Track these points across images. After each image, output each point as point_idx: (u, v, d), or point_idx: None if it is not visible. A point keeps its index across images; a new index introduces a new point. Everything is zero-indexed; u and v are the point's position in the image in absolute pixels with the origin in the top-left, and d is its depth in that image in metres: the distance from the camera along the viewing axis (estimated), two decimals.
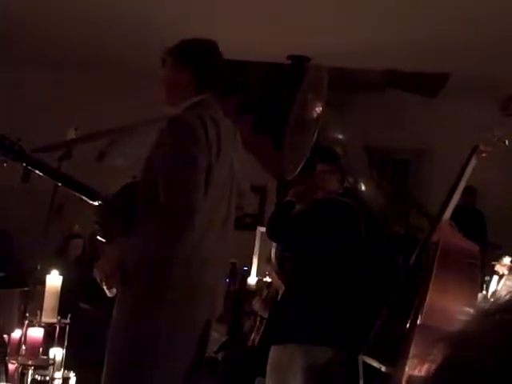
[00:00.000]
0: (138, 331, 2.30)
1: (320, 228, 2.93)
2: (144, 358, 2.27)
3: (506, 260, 3.36)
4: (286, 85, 6.24)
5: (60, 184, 2.56)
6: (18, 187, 2.42)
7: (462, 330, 0.74)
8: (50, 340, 2.84)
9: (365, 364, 2.67)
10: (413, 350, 2.38)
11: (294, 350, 2.80)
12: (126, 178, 2.58)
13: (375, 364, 2.60)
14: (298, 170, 3.12)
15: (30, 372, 2.75)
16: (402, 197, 6.93)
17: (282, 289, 3.37)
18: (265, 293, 4.27)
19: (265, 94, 7.28)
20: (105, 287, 2.32)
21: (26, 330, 2.75)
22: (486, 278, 3.22)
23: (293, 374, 2.78)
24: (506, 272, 3.27)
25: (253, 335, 4.21)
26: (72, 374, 3.12)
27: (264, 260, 5.20)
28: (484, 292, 3.10)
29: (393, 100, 6.92)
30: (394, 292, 2.79)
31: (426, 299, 2.45)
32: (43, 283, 2.80)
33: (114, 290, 2.33)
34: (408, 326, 2.54)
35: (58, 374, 2.96)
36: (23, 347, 2.77)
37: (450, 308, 2.44)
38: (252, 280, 5.71)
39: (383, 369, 2.55)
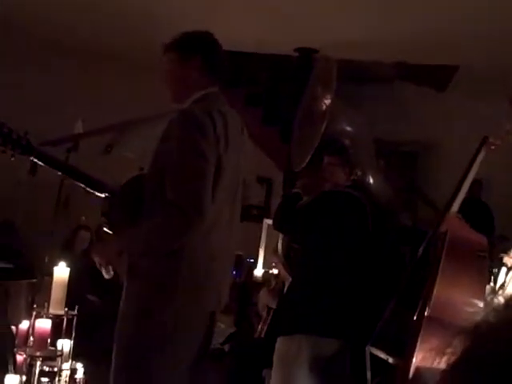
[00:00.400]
0: (145, 323, 2.30)
1: (327, 219, 2.92)
2: (151, 350, 2.28)
3: None
4: (293, 77, 6.23)
5: (67, 177, 2.56)
6: (25, 180, 2.42)
7: (481, 322, 0.74)
8: (57, 331, 2.86)
9: (372, 355, 2.67)
10: (420, 342, 2.38)
11: (300, 342, 2.80)
12: (133, 170, 2.58)
13: (382, 355, 2.60)
14: (306, 161, 3.11)
15: (38, 363, 2.76)
16: (410, 189, 6.92)
17: (288, 280, 3.37)
18: (273, 284, 4.28)
19: (272, 86, 7.27)
20: (103, 270, 2.34)
21: (34, 322, 2.76)
22: (494, 270, 3.22)
23: (299, 365, 2.78)
24: None
25: (260, 326, 4.22)
26: (80, 365, 3.14)
27: (270, 252, 5.21)
28: (492, 284, 3.09)
29: (401, 92, 6.90)
30: (401, 284, 2.78)
31: (433, 291, 2.45)
32: (51, 275, 2.81)
33: (112, 272, 2.35)
34: (415, 317, 2.54)
35: (66, 365, 2.98)
36: (31, 338, 2.78)
37: (458, 300, 2.43)
38: (258, 272, 5.72)
39: (390, 360, 2.55)
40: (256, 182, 7.19)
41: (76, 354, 3.06)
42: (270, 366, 3.04)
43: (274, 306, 4.04)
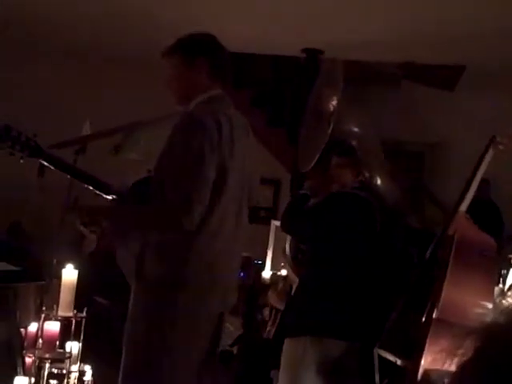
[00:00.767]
0: (155, 324, 2.31)
1: (335, 221, 2.92)
2: (160, 351, 2.29)
3: None
4: (299, 78, 6.22)
5: (75, 179, 2.57)
6: (33, 182, 2.43)
7: (492, 323, 0.74)
8: (66, 333, 2.86)
9: (380, 357, 2.66)
10: (429, 344, 2.37)
11: (307, 343, 2.80)
12: (140, 171, 2.59)
13: (391, 357, 2.59)
14: (313, 163, 3.11)
15: (47, 365, 2.77)
16: (418, 190, 6.90)
17: (296, 282, 3.37)
18: (280, 285, 4.28)
19: (278, 88, 7.27)
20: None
21: (43, 324, 2.77)
22: (503, 271, 3.20)
23: (306, 367, 2.78)
24: None
25: (268, 328, 4.22)
26: (88, 367, 3.14)
27: (278, 253, 5.20)
28: (501, 285, 3.08)
29: (408, 93, 6.88)
30: (409, 285, 2.77)
31: (441, 293, 2.44)
32: (59, 277, 2.82)
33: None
34: (424, 319, 2.53)
35: (75, 367, 2.99)
36: (40, 341, 2.79)
37: (467, 301, 2.42)
38: (266, 274, 5.71)
39: (399, 362, 2.54)
40: (263, 183, 7.19)
41: (84, 356, 3.06)
42: (278, 367, 3.04)
43: (281, 307, 4.03)
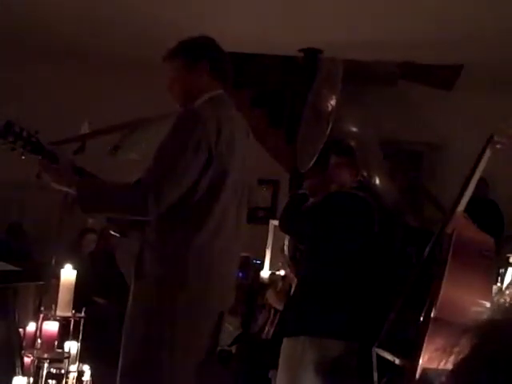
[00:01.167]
0: (154, 323, 2.31)
1: (333, 220, 2.92)
2: (160, 350, 2.29)
3: None
4: (299, 78, 6.23)
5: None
6: (33, 182, 2.43)
7: (488, 320, 0.75)
8: (64, 333, 2.86)
9: (378, 356, 2.66)
10: (427, 343, 2.37)
11: (305, 343, 2.80)
12: (139, 171, 2.59)
13: (389, 357, 2.60)
14: (312, 162, 3.12)
15: (46, 365, 2.77)
16: (416, 189, 6.91)
17: (294, 282, 3.37)
18: (279, 285, 4.28)
19: (278, 88, 7.27)
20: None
21: (42, 324, 2.77)
22: (501, 271, 3.20)
23: (304, 367, 2.78)
24: None
25: (267, 328, 4.23)
26: (87, 367, 3.14)
27: (277, 253, 5.21)
28: (499, 284, 3.08)
29: (406, 92, 6.89)
30: (407, 285, 2.78)
31: (440, 292, 2.44)
32: (57, 277, 2.82)
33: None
34: (422, 318, 2.54)
35: (73, 367, 2.99)
36: (38, 341, 2.79)
37: (465, 301, 2.43)
38: (265, 273, 5.72)
39: (397, 361, 2.55)
40: (262, 183, 7.19)
41: (83, 356, 3.07)
42: (276, 367, 3.05)
43: (280, 307, 4.04)
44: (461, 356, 0.75)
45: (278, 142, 6.63)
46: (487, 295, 2.46)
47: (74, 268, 2.79)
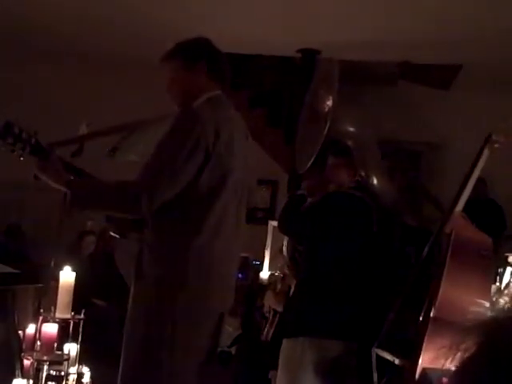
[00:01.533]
0: (154, 325, 2.31)
1: (331, 221, 2.92)
2: (160, 350, 2.29)
3: None
4: (297, 78, 6.23)
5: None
6: (31, 183, 2.43)
7: (495, 318, 0.75)
8: (64, 335, 2.86)
9: (378, 357, 2.66)
10: (426, 343, 2.37)
11: (305, 344, 2.80)
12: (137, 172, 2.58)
13: (389, 357, 2.60)
14: (309, 163, 3.12)
15: (45, 367, 2.77)
16: (415, 189, 6.91)
17: (293, 282, 3.37)
18: (278, 286, 4.28)
19: (276, 88, 7.28)
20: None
21: (41, 326, 2.77)
22: (500, 270, 3.20)
23: (304, 368, 2.78)
24: None
25: (266, 329, 4.23)
26: (86, 369, 3.14)
27: (276, 254, 5.20)
28: (497, 284, 3.08)
29: (405, 92, 6.89)
30: (407, 285, 2.78)
31: (439, 292, 2.44)
32: (57, 279, 2.82)
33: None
34: (421, 318, 2.54)
35: (73, 369, 2.99)
36: (38, 343, 2.79)
37: (464, 300, 2.43)
38: (264, 274, 5.71)
39: (397, 361, 2.55)
40: (261, 183, 7.19)
41: (83, 358, 3.07)
42: (276, 367, 3.05)
43: (279, 308, 4.04)
44: (467, 354, 0.75)
45: (276, 143, 6.63)
46: (486, 295, 2.46)
47: (73, 270, 2.79)
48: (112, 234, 2.68)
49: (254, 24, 5.61)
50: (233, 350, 4.85)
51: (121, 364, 2.37)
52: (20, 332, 3.26)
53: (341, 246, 2.91)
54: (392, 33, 5.54)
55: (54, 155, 2.36)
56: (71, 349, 2.98)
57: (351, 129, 3.26)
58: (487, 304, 2.40)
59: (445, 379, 2.08)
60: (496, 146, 2.74)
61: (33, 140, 2.33)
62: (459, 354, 0.76)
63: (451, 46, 5.72)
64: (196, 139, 2.26)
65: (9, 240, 6.60)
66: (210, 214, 2.33)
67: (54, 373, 2.88)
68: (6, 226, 6.73)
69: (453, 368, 0.78)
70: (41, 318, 2.79)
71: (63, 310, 2.74)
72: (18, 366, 3.11)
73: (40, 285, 3.71)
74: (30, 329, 3.02)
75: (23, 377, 2.94)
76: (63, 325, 2.79)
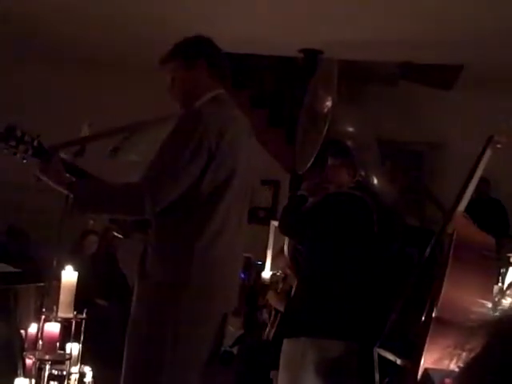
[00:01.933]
0: (157, 325, 2.31)
1: (332, 221, 2.92)
2: (163, 350, 2.29)
3: None
4: (298, 78, 6.23)
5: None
6: (33, 183, 2.43)
7: (501, 318, 0.75)
8: (66, 335, 2.87)
9: (380, 357, 2.66)
10: (428, 343, 2.37)
11: (305, 344, 2.80)
12: (139, 173, 2.59)
13: (390, 357, 2.60)
14: (309, 164, 3.12)
15: (47, 367, 2.77)
16: (417, 190, 6.91)
17: (295, 282, 3.37)
18: (280, 286, 4.27)
19: (278, 88, 7.28)
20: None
21: (43, 325, 2.77)
22: (502, 270, 3.20)
23: (305, 368, 2.78)
24: None
25: (268, 329, 4.22)
26: (88, 369, 3.15)
27: (276, 253, 5.20)
28: (500, 284, 3.08)
29: (407, 92, 6.89)
30: (409, 285, 2.78)
31: (441, 292, 2.44)
32: (59, 279, 2.82)
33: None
34: (423, 318, 2.54)
35: (75, 369, 2.99)
36: (40, 342, 2.79)
37: (466, 300, 2.43)
38: (266, 274, 5.71)
39: (398, 362, 2.55)
40: (263, 184, 7.19)
41: (85, 358, 3.07)
42: (277, 367, 3.04)
43: (281, 308, 4.03)
44: (472, 354, 0.75)
45: (278, 143, 6.63)
46: (488, 295, 2.46)
47: (76, 269, 2.79)
48: (115, 233, 2.68)
49: (256, 24, 5.61)
50: (235, 350, 4.85)
51: (123, 363, 2.37)
52: (22, 331, 3.27)
53: (341, 246, 2.91)
54: (394, 33, 5.54)
55: (56, 157, 2.36)
56: (73, 348, 2.98)
57: (351, 129, 3.26)
58: (489, 304, 2.40)
59: (447, 380, 2.08)
60: (498, 146, 2.75)
61: (35, 142, 2.33)
62: (464, 355, 0.76)
63: (452, 46, 5.72)
64: (199, 140, 2.26)
65: (11, 240, 6.61)
66: (213, 214, 2.33)
67: (56, 372, 2.88)
68: (8, 226, 6.74)
69: (456, 369, 0.78)
70: (43, 317, 2.79)
71: (65, 310, 2.75)
72: (20, 365, 3.12)
73: (42, 284, 3.71)
74: (32, 328, 3.03)
75: (25, 376, 2.94)
76: (65, 324, 2.79)
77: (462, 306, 2.39)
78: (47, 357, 2.74)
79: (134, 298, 2.40)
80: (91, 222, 6.21)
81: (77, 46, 6.65)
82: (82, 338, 2.93)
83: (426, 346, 2.37)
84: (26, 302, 3.69)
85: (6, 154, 2.32)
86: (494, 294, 2.61)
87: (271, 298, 4.26)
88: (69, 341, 2.96)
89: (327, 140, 3.04)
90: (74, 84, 7.02)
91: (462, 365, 0.77)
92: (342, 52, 5.52)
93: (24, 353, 3.01)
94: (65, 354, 2.89)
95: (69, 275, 2.77)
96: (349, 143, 3.09)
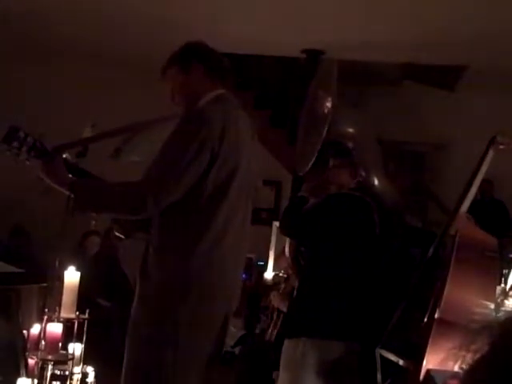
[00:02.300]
0: (158, 325, 2.31)
1: (333, 222, 2.92)
2: (164, 351, 2.29)
3: None
4: (301, 79, 6.23)
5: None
6: (35, 184, 2.43)
7: (507, 319, 0.75)
8: (68, 335, 2.87)
9: (382, 357, 2.66)
10: (431, 344, 2.37)
11: (306, 345, 2.80)
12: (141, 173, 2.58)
13: (393, 358, 2.59)
14: (310, 165, 3.11)
15: (50, 367, 2.77)
16: (419, 190, 6.91)
17: (296, 283, 3.37)
18: (282, 287, 4.27)
19: (281, 89, 7.28)
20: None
21: (45, 326, 2.77)
22: (505, 271, 3.20)
23: (306, 368, 2.78)
24: None
25: (270, 329, 4.22)
26: (91, 369, 3.15)
27: (277, 254, 5.21)
28: (502, 285, 3.08)
29: (410, 93, 6.89)
30: (411, 286, 2.77)
31: (443, 293, 2.44)
32: (61, 279, 2.82)
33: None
34: (426, 319, 2.53)
35: (77, 369, 2.99)
36: (42, 342, 2.80)
37: (468, 301, 2.42)
38: (268, 275, 5.72)
39: (401, 362, 2.55)
40: (265, 184, 7.19)
41: (87, 358, 3.07)
42: (279, 368, 3.04)
43: (284, 309, 4.04)
44: (478, 355, 0.75)
45: (280, 143, 6.63)
46: (491, 296, 2.46)
47: (78, 270, 2.79)
48: (117, 234, 2.68)
49: (259, 24, 5.62)
50: (236, 351, 4.86)
51: (124, 364, 2.37)
52: (24, 331, 3.27)
53: (342, 247, 2.91)
54: (396, 34, 5.54)
55: (58, 158, 2.37)
56: (76, 348, 2.98)
57: (351, 130, 3.26)
58: (492, 305, 2.40)
59: (450, 381, 2.07)
60: (501, 147, 2.75)
61: (38, 144, 2.34)
62: (469, 355, 0.76)
63: (455, 47, 5.72)
64: (201, 140, 2.26)
65: (13, 240, 6.62)
66: (216, 214, 2.32)
67: (58, 372, 2.88)
68: (11, 227, 6.75)
69: (459, 370, 0.78)
70: (45, 317, 2.79)
71: (68, 310, 2.75)
72: (22, 365, 3.12)
73: (44, 284, 3.71)
74: (35, 328, 3.03)
75: (28, 376, 2.94)
76: (68, 324, 2.79)
77: (464, 307, 2.39)
78: (50, 357, 2.74)
79: (136, 298, 2.40)
80: (93, 222, 6.21)
81: (77, 46, 6.65)
82: (84, 338, 2.93)
83: (429, 346, 2.37)
84: (29, 303, 3.69)
85: (8, 155, 2.32)
86: (497, 295, 2.61)
87: (275, 299, 4.26)
88: (71, 341, 2.96)
89: (328, 141, 3.04)
90: (74, 84, 7.03)
91: (466, 366, 0.77)
92: (345, 53, 5.52)
93: (26, 353, 3.01)
94: (67, 354, 2.89)
95: (71, 276, 2.77)
96: (350, 144, 3.09)
